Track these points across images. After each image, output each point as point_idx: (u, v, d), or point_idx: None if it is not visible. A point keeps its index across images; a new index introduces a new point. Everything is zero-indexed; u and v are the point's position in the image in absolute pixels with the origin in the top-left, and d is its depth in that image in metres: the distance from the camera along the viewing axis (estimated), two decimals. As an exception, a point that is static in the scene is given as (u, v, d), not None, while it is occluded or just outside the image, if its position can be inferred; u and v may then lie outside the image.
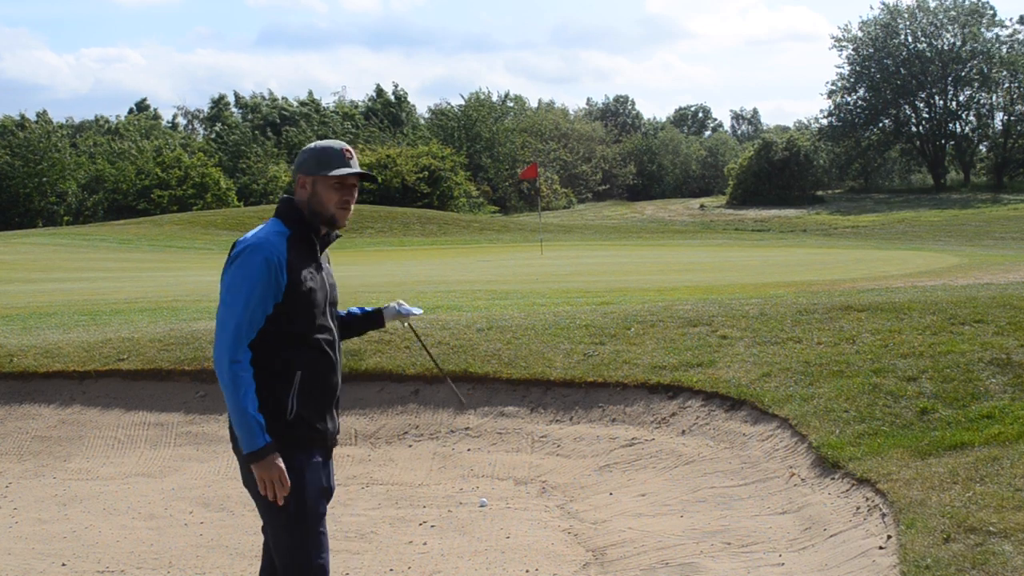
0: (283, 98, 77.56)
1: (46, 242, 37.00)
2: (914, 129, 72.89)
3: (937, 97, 71.34)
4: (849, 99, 72.58)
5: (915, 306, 8.28)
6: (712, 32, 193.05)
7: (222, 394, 3.51)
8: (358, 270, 20.94)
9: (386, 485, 6.66)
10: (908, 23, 70.48)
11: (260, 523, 3.75)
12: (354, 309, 4.04)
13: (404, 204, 51.00)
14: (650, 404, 7.10)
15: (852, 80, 72.28)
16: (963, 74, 69.89)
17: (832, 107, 72.68)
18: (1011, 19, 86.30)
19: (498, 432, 7.23)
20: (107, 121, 77.13)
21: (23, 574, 5.27)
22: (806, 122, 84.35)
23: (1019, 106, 69.53)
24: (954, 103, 71.53)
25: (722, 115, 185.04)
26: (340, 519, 5.91)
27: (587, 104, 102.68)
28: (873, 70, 70.85)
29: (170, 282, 19.17)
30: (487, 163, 69.27)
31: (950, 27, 69.82)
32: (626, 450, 6.72)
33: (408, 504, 6.27)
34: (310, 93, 78.60)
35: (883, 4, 71.52)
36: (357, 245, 36.28)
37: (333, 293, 3.73)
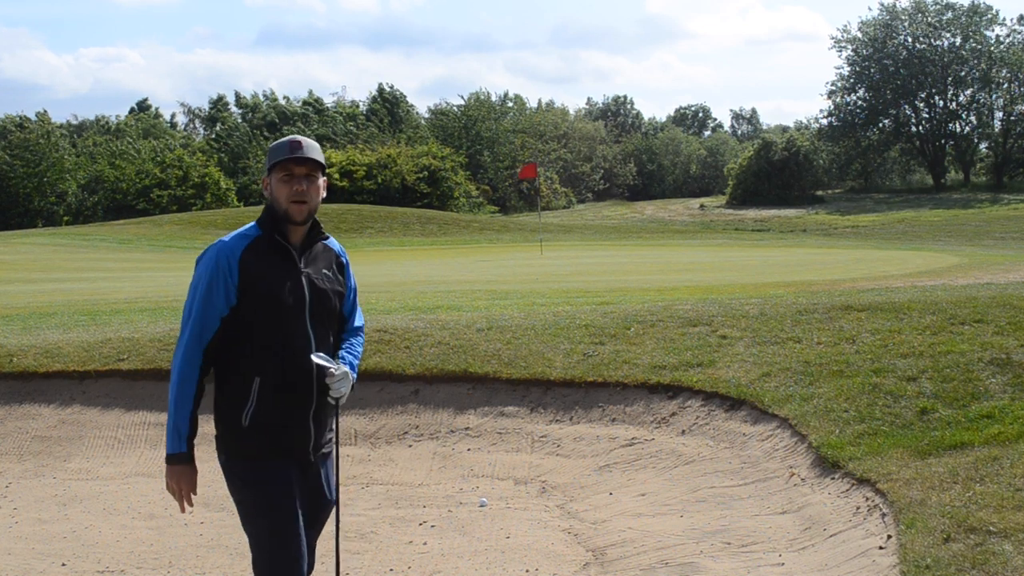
0: (285, 97, 77.65)
1: (46, 242, 37.00)
2: (914, 129, 72.91)
3: (937, 97, 71.35)
4: (849, 99, 72.62)
5: (915, 306, 8.28)
6: (712, 32, 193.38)
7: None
8: (358, 270, 20.86)
9: (386, 485, 6.66)
10: (907, 23, 70.49)
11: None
12: (346, 343, 3.75)
13: (404, 204, 51.01)
14: (650, 404, 7.10)
15: (852, 80, 72.31)
16: (963, 74, 69.90)
17: (832, 107, 72.71)
18: (1011, 19, 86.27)
19: (498, 432, 7.23)
20: (108, 121, 77.18)
21: (23, 574, 5.27)
22: (805, 122, 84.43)
23: (1019, 106, 69.53)
24: (954, 103, 71.55)
25: (722, 115, 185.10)
26: (340, 519, 5.90)
27: (587, 104, 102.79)
28: (873, 70, 70.86)
29: (170, 282, 19.17)
30: (487, 163, 69.28)
31: (949, 27, 69.82)
32: (626, 450, 6.72)
33: (408, 504, 6.27)
34: (310, 92, 78.69)
35: (882, 5, 71.56)
36: (357, 245, 36.29)
37: (320, 300, 3.54)
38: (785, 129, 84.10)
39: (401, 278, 18.61)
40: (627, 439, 6.82)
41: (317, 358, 3.47)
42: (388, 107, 76.23)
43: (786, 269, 19.15)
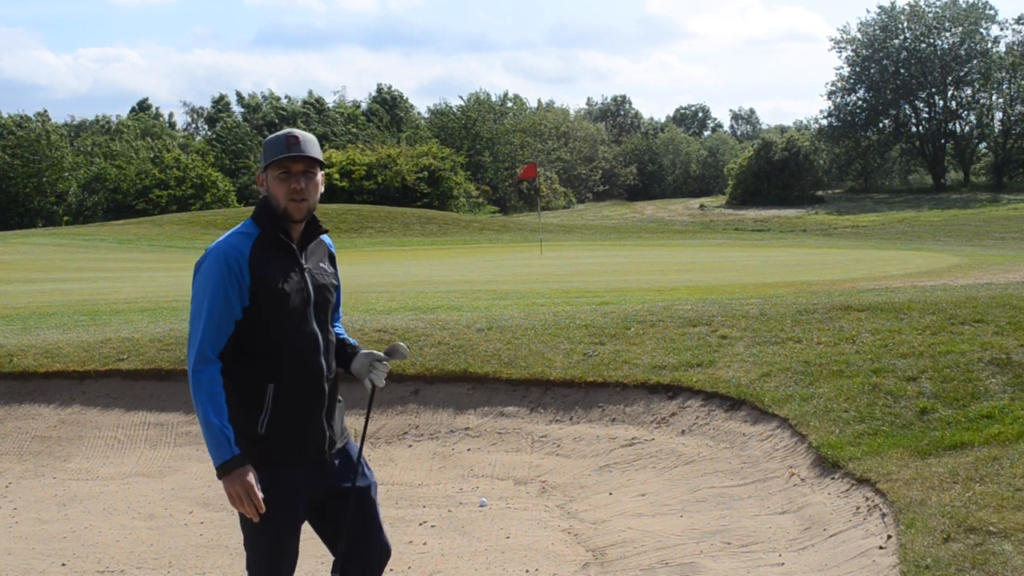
0: (286, 97, 77.68)
1: (46, 242, 37.01)
2: (914, 129, 72.93)
3: (937, 97, 71.38)
4: (849, 100, 72.65)
5: (915, 306, 8.28)
6: (711, 32, 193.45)
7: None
8: (358, 270, 20.93)
9: (386, 485, 6.65)
10: (907, 24, 70.50)
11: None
12: (344, 335, 3.71)
13: (404, 204, 51.03)
14: (650, 404, 7.10)
15: (852, 81, 72.33)
16: (963, 74, 69.92)
17: (832, 107, 72.73)
18: (1011, 19, 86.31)
19: (498, 432, 7.23)
20: (108, 121, 77.19)
21: (23, 574, 5.27)
22: (805, 122, 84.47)
23: (1019, 106, 69.55)
24: (954, 103, 71.58)
25: (721, 115, 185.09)
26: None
27: (587, 104, 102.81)
28: (873, 70, 70.88)
29: (170, 282, 19.17)
30: (487, 163, 69.28)
31: (949, 27, 69.83)
32: (626, 450, 6.71)
33: (408, 504, 6.27)
34: (310, 93, 78.73)
35: (880, 7, 71.58)
36: (357, 245, 36.29)
37: (322, 295, 3.48)
38: (784, 129, 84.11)
39: (401, 278, 18.61)
40: (627, 439, 6.82)
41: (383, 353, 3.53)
42: (387, 107, 76.26)
43: (786, 269, 19.15)
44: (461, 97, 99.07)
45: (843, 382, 6.64)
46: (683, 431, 6.74)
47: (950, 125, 71.70)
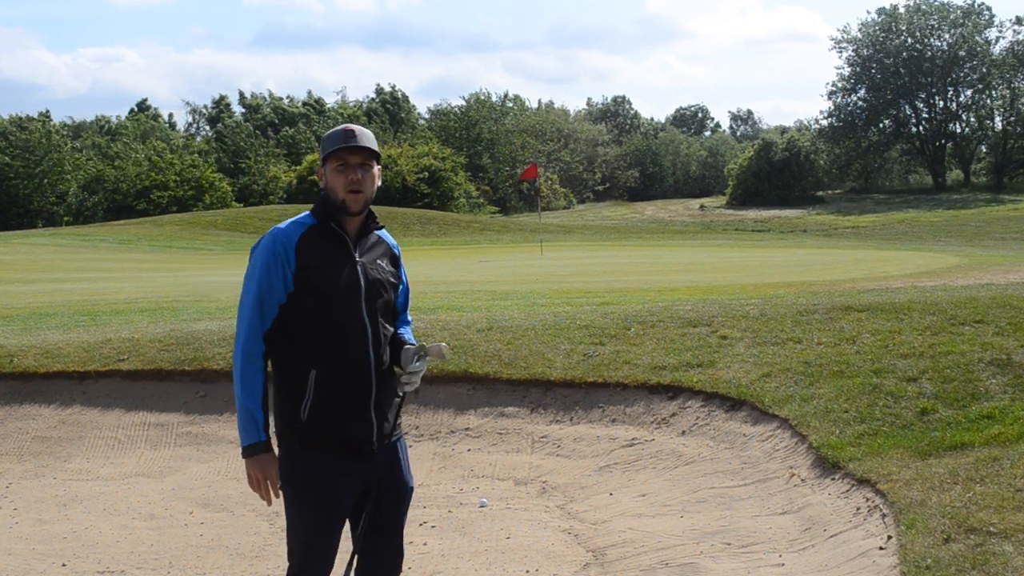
0: (288, 97, 77.68)
1: (46, 242, 37.01)
2: (914, 129, 72.94)
3: (937, 98, 71.39)
4: (849, 100, 72.65)
5: (915, 306, 8.28)
6: (710, 32, 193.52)
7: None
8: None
9: (386, 485, 6.65)
10: (906, 25, 70.50)
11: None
12: (404, 334, 3.73)
13: (404, 204, 51.05)
14: (650, 404, 7.10)
15: (852, 81, 72.33)
16: (962, 75, 69.93)
17: (832, 108, 72.73)
18: (1008, 20, 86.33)
19: (498, 432, 7.23)
20: (107, 121, 77.17)
21: (23, 574, 5.27)
22: (806, 122, 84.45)
23: (1019, 106, 69.56)
24: (954, 104, 71.58)
25: (721, 115, 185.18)
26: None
27: (587, 104, 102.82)
28: (874, 70, 70.89)
29: (170, 282, 19.17)
30: (487, 163, 69.29)
31: (948, 28, 69.84)
32: (626, 450, 6.71)
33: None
34: (310, 93, 78.74)
35: (880, 8, 71.63)
36: (357, 245, 36.23)
37: (375, 289, 3.50)
38: (785, 130, 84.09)
39: (401, 278, 18.58)
40: (627, 439, 6.82)
41: (411, 349, 3.53)
42: (388, 107, 76.26)
43: (786, 269, 19.15)
44: (462, 97, 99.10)
45: (843, 382, 6.64)
46: (683, 431, 6.74)
47: (950, 125, 71.71)
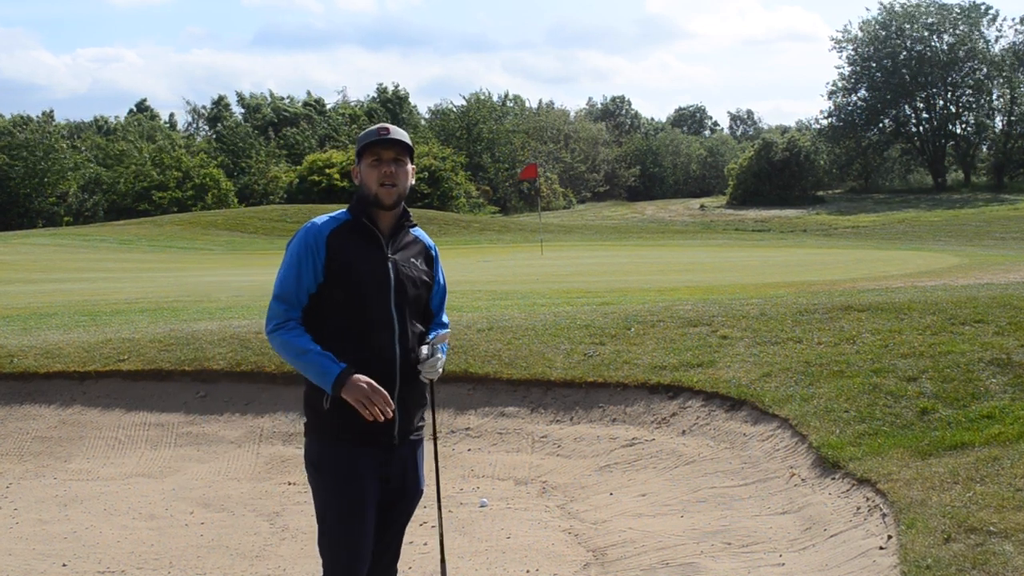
0: (288, 97, 77.63)
1: (46, 242, 37.01)
2: (914, 129, 72.94)
3: (937, 97, 71.38)
4: (849, 100, 72.63)
5: (915, 306, 8.28)
6: (710, 32, 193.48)
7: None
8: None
9: (386, 485, 6.66)
10: (906, 24, 70.49)
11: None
12: (433, 335, 3.74)
13: (404, 204, 50.93)
14: (650, 404, 7.10)
15: (853, 80, 72.32)
16: (963, 75, 69.92)
17: (832, 107, 72.73)
18: (1012, 19, 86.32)
19: (498, 432, 7.23)
20: (106, 122, 77.15)
21: (24, 574, 5.27)
22: (806, 122, 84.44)
23: (1019, 106, 69.56)
24: (953, 105, 71.56)
25: (720, 115, 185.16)
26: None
27: (587, 104, 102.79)
28: (873, 69, 70.87)
29: (170, 282, 19.18)
30: (487, 163, 69.28)
31: (949, 28, 69.83)
32: (626, 450, 6.71)
33: (408, 504, 6.27)
34: (309, 93, 78.72)
35: (881, 4, 71.54)
36: (357, 245, 36.23)
37: (405, 286, 3.54)
38: (785, 130, 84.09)
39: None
40: (627, 439, 6.82)
41: (426, 343, 3.57)
42: (390, 107, 76.23)
43: (786, 269, 19.16)
44: (462, 97, 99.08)
45: (843, 382, 6.64)
46: (684, 431, 6.74)
47: (950, 125, 71.70)
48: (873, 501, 5.06)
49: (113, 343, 8.74)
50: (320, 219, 3.55)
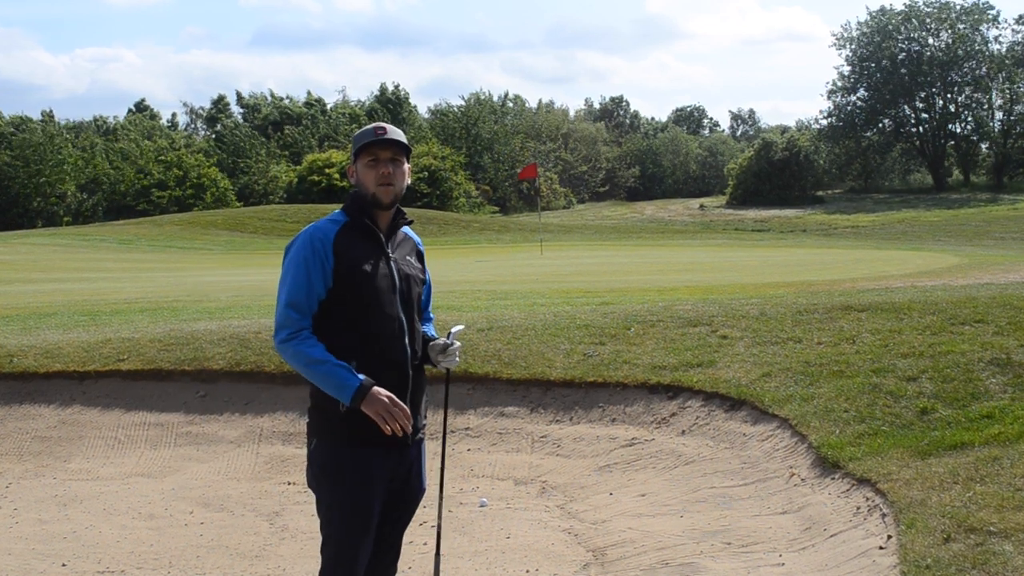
0: (288, 97, 77.64)
1: (46, 242, 37.02)
2: (914, 129, 72.93)
3: (937, 97, 71.37)
4: (849, 100, 72.63)
5: (915, 306, 8.28)
6: (709, 32, 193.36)
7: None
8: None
9: (386, 485, 6.66)
10: (905, 24, 70.49)
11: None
12: (426, 328, 3.80)
13: (404, 204, 49.78)
14: (650, 404, 7.10)
15: (852, 80, 72.31)
16: (962, 75, 69.92)
17: (832, 107, 72.72)
18: (1011, 19, 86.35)
19: (498, 432, 7.23)
20: (105, 121, 77.15)
21: (23, 574, 5.27)
22: (806, 122, 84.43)
23: (1018, 106, 69.56)
24: (953, 106, 71.55)
25: (720, 115, 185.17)
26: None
27: (586, 104, 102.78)
28: (873, 68, 70.87)
29: (170, 282, 19.18)
30: (487, 163, 69.27)
31: (948, 28, 69.83)
32: (626, 450, 6.71)
33: (408, 504, 6.27)
34: (309, 93, 78.71)
35: (880, 5, 71.63)
36: (357, 245, 36.22)
37: (407, 284, 3.57)
38: (785, 130, 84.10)
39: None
40: (627, 439, 6.82)
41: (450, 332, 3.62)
42: (390, 107, 76.23)
43: (786, 269, 19.15)
44: (462, 97, 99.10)
45: (843, 382, 6.64)
46: (683, 431, 6.74)
47: (950, 125, 71.69)
48: (873, 501, 5.06)
49: (113, 343, 8.74)
50: (321, 223, 3.51)
